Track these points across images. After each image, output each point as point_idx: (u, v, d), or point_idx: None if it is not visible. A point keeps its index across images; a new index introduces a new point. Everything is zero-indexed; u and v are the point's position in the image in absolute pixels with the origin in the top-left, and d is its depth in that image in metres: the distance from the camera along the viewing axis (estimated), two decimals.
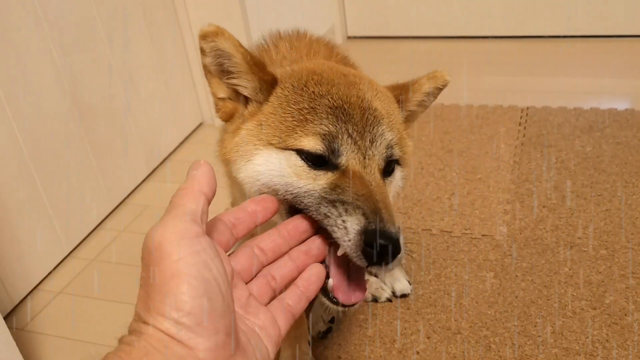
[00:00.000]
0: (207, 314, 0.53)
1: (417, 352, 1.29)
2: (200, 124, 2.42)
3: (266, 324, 0.62)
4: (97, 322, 1.50)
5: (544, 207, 1.70)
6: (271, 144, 0.82)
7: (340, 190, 0.76)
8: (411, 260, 1.56)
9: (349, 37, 3.19)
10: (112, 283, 1.63)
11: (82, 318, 1.54)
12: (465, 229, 1.65)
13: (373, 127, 0.81)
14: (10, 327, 1.32)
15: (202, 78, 2.32)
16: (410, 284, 1.46)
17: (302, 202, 0.77)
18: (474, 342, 1.30)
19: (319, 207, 0.75)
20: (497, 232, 1.62)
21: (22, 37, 1.57)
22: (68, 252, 1.76)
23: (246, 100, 0.88)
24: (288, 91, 0.84)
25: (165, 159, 2.14)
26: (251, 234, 0.70)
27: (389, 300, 1.44)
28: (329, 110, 0.80)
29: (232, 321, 0.56)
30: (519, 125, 2.14)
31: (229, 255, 0.64)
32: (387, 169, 0.83)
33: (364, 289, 0.76)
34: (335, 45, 1.21)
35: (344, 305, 0.75)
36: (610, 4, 2.70)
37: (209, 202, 0.59)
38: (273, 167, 0.81)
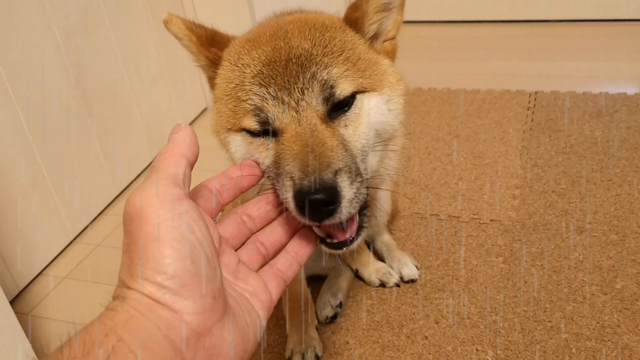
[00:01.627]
0: (192, 277, 0.51)
1: (426, 337, 1.28)
2: (205, 109, 2.41)
3: (257, 290, 0.61)
4: (102, 307, 1.49)
5: (553, 192, 1.68)
6: (229, 130, 0.83)
7: (280, 160, 0.75)
8: (419, 246, 1.54)
9: None
10: (117, 268, 1.62)
11: (87, 303, 1.53)
12: (474, 214, 1.63)
13: (300, 76, 0.77)
14: (16, 312, 1.32)
15: None
16: (418, 269, 1.45)
17: (271, 176, 0.78)
18: (483, 327, 1.29)
19: (275, 184, 0.75)
20: (506, 217, 1.61)
21: (26, 21, 1.55)
22: (73, 237, 1.75)
23: (212, 80, 0.89)
24: (225, 69, 0.84)
25: None
26: (235, 203, 0.69)
27: (397, 285, 1.43)
28: (252, 80, 0.79)
29: (218, 285, 0.54)
30: (528, 109, 2.11)
31: (216, 223, 0.63)
32: (340, 105, 0.79)
33: (353, 229, 0.75)
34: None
35: (344, 244, 0.75)
36: None
37: (191, 165, 0.58)
38: (244, 149, 0.83)
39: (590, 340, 1.23)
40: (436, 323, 1.31)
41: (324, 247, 0.76)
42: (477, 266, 1.45)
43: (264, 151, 0.79)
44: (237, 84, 0.80)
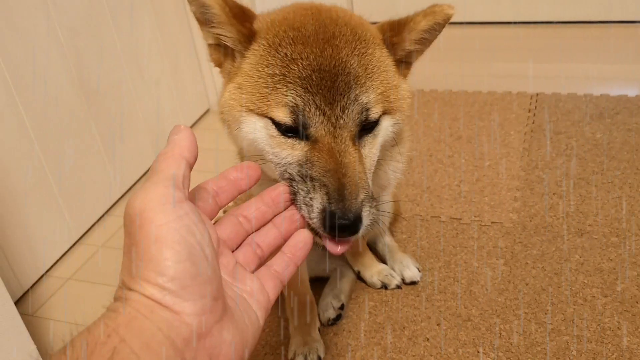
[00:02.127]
0: (192, 279, 0.52)
1: (427, 339, 1.29)
2: (207, 111, 2.41)
3: (254, 290, 0.62)
4: (105, 308, 1.50)
5: (554, 194, 1.69)
6: (251, 110, 0.82)
7: (310, 165, 0.78)
8: (420, 248, 1.55)
9: None
10: (120, 269, 1.63)
11: (92, 304, 1.54)
12: (475, 216, 1.64)
13: (345, 95, 0.79)
14: (20, 313, 1.33)
15: (209, 64, 2.31)
16: (419, 271, 1.46)
17: (287, 172, 0.80)
18: (484, 329, 1.30)
19: (296, 183, 0.78)
20: (507, 219, 1.62)
21: (29, 22, 1.56)
22: (77, 238, 1.76)
23: (232, 52, 0.88)
24: (263, 50, 0.83)
25: None
26: (234, 203, 0.70)
27: (399, 287, 1.44)
28: (298, 80, 0.79)
29: (218, 286, 0.55)
30: (529, 111, 2.12)
31: (213, 224, 0.64)
32: (366, 127, 0.82)
33: (349, 241, 0.78)
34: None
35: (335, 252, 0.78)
36: None
37: (190, 166, 0.59)
38: (259, 135, 0.83)
39: (591, 342, 1.24)
40: (438, 325, 1.32)
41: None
42: (478, 268, 1.46)
43: (288, 149, 0.80)
44: (278, 74, 0.80)
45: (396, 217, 1.61)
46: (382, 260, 1.52)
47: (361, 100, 0.80)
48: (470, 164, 1.86)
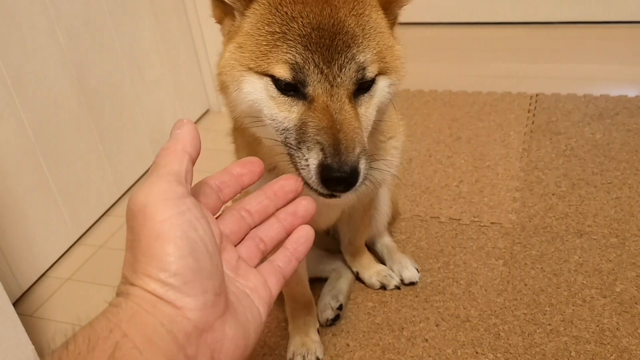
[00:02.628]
0: (194, 274, 0.52)
1: (426, 340, 1.29)
2: (207, 111, 2.41)
3: (257, 286, 0.62)
4: (106, 304, 1.50)
5: (553, 194, 1.69)
6: (250, 69, 0.83)
7: (305, 127, 0.79)
8: (419, 248, 1.55)
9: None
10: (120, 269, 1.63)
11: (90, 304, 1.54)
12: (474, 217, 1.64)
13: (342, 53, 0.80)
14: (19, 313, 1.33)
15: (208, 64, 2.32)
16: (418, 272, 1.46)
17: (287, 139, 0.81)
18: (483, 330, 1.30)
19: (294, 150, 0.80)
20: (506, 219, 1.62)
21: (29, 23, 1.56)
22: (76, 238, 1.76)
23: (232, 10, 0.89)
24: (263, 9, 0.84)
25: None
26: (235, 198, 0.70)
27: (397, 287, 1.44)
28: (298, 38, 0.80)
29: (221, 282, 0.55)
30: (528, 112, 2.12)
31: (216, 218, 0.64)
32: (363, 86, 0.84)
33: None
34: None
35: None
36: None
37: (193, 161, 0.59)
38: (259, 95, 0.84)
39: (590, 343, 1.24)
40: (436, 326, 1.32)
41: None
42: (477, 269, 1.46)
43: (286, 111, 0.82)
44: (279, 32, 0.81)
45: (395, 217, 1.61)
46: (381, 260, 1.52)
47: (358, 59, 0.81)
48: (469, 165, 1.86)
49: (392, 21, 0.93)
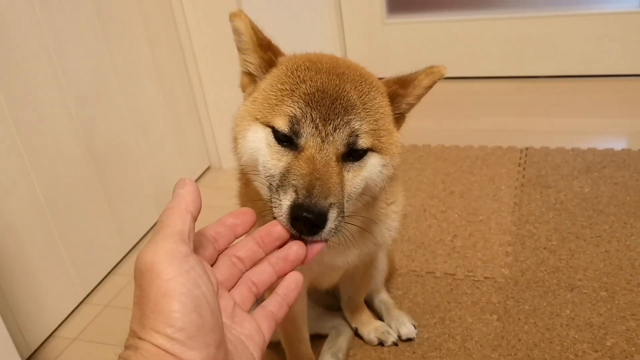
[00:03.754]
0: (198, 329, 0.57)
1: None
2: (208, 168, 2.49)
3: (252, 332, 0.67)
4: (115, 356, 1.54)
5: (544, 248, 1.74)
6: (257, 119, 0.93)
7: (287, 173, 0.85)
8: (415, 304, 1.60)
9: None
10: (126, 329, 1.65)
11: None
12: (468, 271, 1.69)
13: (339, 116, 0.88)
14: None
15: (209, 123, 2.40)
16: (415, 328, 1.50)
17: (268, 182, 0.88)
18: None
19: (274, 193, 0.85)
20: (499, 274, 1.67)
21: (43, 93, 1.65)
22: (83, 297, 1.81)
23: (254, 78, 1.01)
24: (281, 72, 0.95)
25: None
26: None
27: (395, 344, 1.48)
28: (302, 95, 0.89)
29: (221, 334, 0.60)
30: (519, 166, 2.19)
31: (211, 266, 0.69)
32: (354, 154, 0.90)
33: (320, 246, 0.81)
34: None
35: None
36: (606, 43, 2.77)
37: (194, 219, 0.64)
38: (258, 142, 0.92)
39: None
40: None
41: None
42: (472, 324, 1.51)
43: (276, 159, 0.89)
44: (288, 90, 0.91)
45: (392, 273, 1.66)
46: (379, 317, 1.56)
47: (353, 125, 0.89)
48: (463, 219, 1.92)
49: (398, 115, 1.02)
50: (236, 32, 0.98)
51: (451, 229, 1.89)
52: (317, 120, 0.87)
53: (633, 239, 1.73)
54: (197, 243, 0.67)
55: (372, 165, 0.94)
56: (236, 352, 0.63)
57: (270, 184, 0.87)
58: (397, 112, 1.01)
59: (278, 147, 0.90)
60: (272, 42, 1.01)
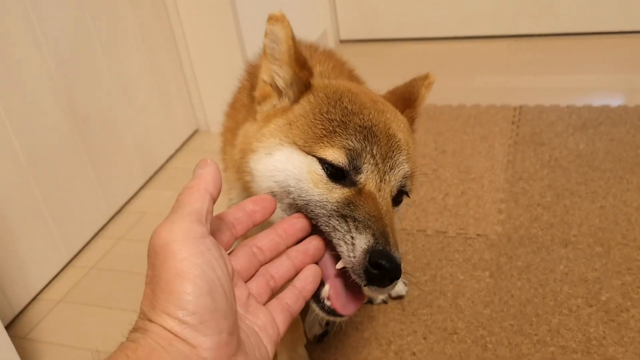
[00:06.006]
0: (211, 313, 0.54)
1: (414, 353, 1.30)
2: (196, 131, 2.43)
3: (266, 324, 0.64)
4: (97, 329, 1.52)
5: (538, 205, 1.71)
6: (296, 144, 0.83)
7: (353, 207, 0.78)
8: (406, 262, 1.57)
9: (342, 41, 3.21)
10: (112, 290, 1.64)
11: (82, 326, 1.55)
12: (460, 229, 1.66)
13: (395, 155, 0.83)
14: (12, 336, 1.34)
15: (196, 87, 2.35)
16: (405, 286, 1.47)
17: (312, 212, 0.79)
18: (470, 342, 1.31)
19: (330, 219, 0.77)
20: (492, 231, 1.64)
21: (21, 53, 1.59)
22: (67, 260, 1.77)
23: (280, 92, 0.91)
24: (321, 100, 0.87)
25: (161, 167, 2.15)
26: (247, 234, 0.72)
27: (385, 302, 1.45)
28: (358, 128, 0.82)
29: (234, 321, 0.57)
30: (512, 124, 2.15)
31: (228, 254, 0.65)
32: (397, 199, 0.85)
33: (361, 300, 0.77)
34: (345, 62, 1.25)
35: (336, 314, 0.76)
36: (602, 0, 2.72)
37: (214, 201, 0.60)
38: (292, 167, 0.83)
39: (577, 352, 1.25)
40: (424, 339, 1.34)
41: (315, 306, 0.78)
42: (464, 281, 1.48)
43: (323, 189, 0.80)
44: (339, 121, 0.83)
45: None
46: None
47: (405, 167, 0.84)
48: (455, 178, 1.89)
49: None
50: (272, 37, 0.87)
51: (443, 187, 1.85)
52: (377, 156, 0.81)
53: (629, 194, 1.70)
54: (214, 227, 0.63)
55: (401, 209, 0.89)
56: (249, 343, 0.60)
57: (312, 211, 0.79)
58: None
59: (326, 179, 0.81)
60: (307, 60, 0.92)
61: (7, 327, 1.54)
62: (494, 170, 1.90)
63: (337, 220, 0.77)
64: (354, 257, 0.73)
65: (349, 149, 0.80)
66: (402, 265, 0.75)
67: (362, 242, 0.74)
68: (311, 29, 2.82)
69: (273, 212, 0.70)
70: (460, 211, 1.73)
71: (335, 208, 0.78)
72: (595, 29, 2.77)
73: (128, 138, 2.03)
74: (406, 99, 0.98)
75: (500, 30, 2.90)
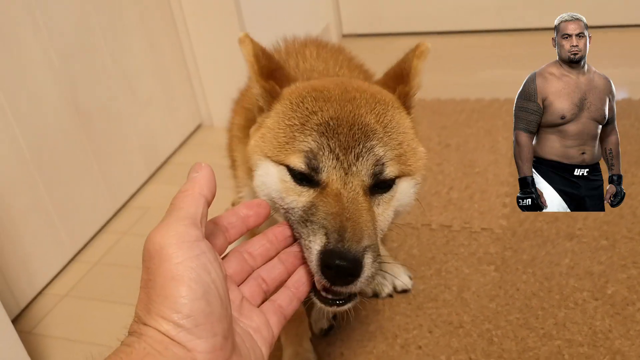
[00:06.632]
0: (206, 317, 0.54)
1: (420, 347, 1.30)
2: (199, 126, 2.43)
3: (260, 326, 0.64)
4: (102, 324, 1.52)
5: None
6: (268, 157, 0.85)
7: (314, 209, 0.77)
8: (411, 256, 1.57)
9: (344, 36, 3.19)
10: (116, 285, 1.65)
11: (88, 320, 1.55)
12: (465, 223, 1.66)
13: (360, 142, 0.80)
14: (18, 331, 1.34)
15: (199, 81, 2.34)
16: (411, 279, 1.47)
17: (289, 219, 0.80)
18: (476, 336, 1.31)
19: (298, 225, 0.77)
20: (497, 225, 1.63)
21: (23, 46, 1.59)
22: (72, 255, 1.78)
23: (261, 107, 0.92)
24: (285, 107, 0.87)
25: (165, 162, 2.15)
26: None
27: (390, 295, 1.45)
28: (315, 127, 0.81)
29: (229, 324, 0.57)
30: None
31: (221, 259, 0.65)
32: (382, 185, 0.83)
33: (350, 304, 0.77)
34: (353, 57, 1.24)
35: (332, 301, 0.76)
36: None
37: (208, 204, 0.61)
38: (269, 180, 0.84)
39: (583, 346, 1.25)
40: (429, 332, 1.34)
41: (316, 300, 0.78)
42: (469, 275, 1.48)
43: (294, 195, 0.81)
44: (298, 124, 0.83)
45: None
46: None
47: (377, 152, 0.81)
48: (459, 172, 1.88)
49: (408, 111, 0.94)
50: (244, 58, 0.90)
51: (447, 181, 1.84)
52: (337, 149, 0.79)
53: (634, 187, 1.70)
54: (208, 231, 0.64)
55: (403, 192, 0.86)
56: (244, 346, 0.60)
57: (289, 216, 0.80)
58: (410, 111, 0.94)
59: (294, 185, 0.81)
60: (280, 68, 0.92)
61: (13, 322, 1.53)
62: (498, 163, 1.89)
63: (301, 225, 0.77)
64: (312, 261, 0.73)
65: (305, 151, 0.80)
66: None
67: (315, 244, 0.73)
68: (314, 24, 2.80)
69: (267, 217, 0.70)
70: (465, 205, 1.73)
71: (300, 214, 0.78)
72: (599, 22, 2.75)
73: (132, 132, 2.03)
74: (398, 75, 0.94)
75: (504, 24, 2.88)
